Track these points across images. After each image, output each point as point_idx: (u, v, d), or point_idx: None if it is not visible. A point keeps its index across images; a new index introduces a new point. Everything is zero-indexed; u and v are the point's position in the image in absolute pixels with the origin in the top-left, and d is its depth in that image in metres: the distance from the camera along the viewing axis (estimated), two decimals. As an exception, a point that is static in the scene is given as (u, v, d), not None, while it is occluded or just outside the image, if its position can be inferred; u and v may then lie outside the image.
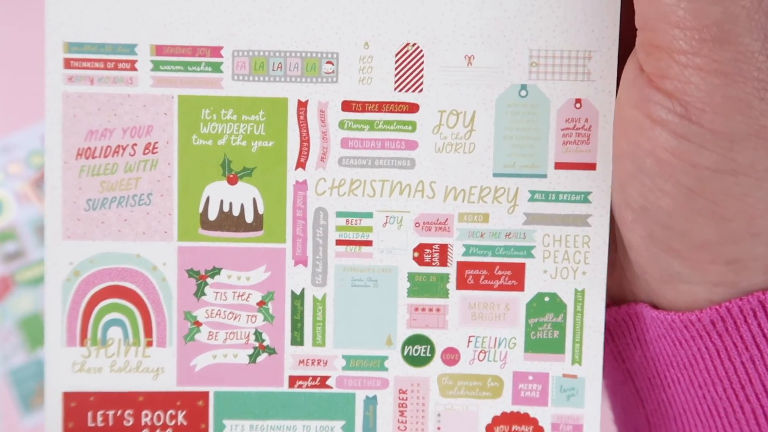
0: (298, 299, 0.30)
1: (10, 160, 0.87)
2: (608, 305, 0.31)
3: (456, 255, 0.30)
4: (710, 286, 0.27)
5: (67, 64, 0.29)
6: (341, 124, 0.29)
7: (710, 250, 0.26)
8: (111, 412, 0.30)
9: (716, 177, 0.25)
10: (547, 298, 0.30)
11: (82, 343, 0.30)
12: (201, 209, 0.29)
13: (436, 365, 0.30)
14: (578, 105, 0.29)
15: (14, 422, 0.74)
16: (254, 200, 0.29)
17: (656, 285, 0.28)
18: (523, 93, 0.29)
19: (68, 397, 0.30)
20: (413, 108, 0.29)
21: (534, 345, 0.30)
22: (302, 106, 0.29)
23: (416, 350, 0.30)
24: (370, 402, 0.30)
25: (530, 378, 0.30)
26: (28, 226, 0.86)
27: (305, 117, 0.29)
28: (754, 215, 0.25)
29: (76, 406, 0.30)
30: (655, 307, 0.29)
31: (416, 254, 0.30)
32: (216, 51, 0.29)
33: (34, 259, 0.86)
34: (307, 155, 0.29)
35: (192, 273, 0.30)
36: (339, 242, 0.30)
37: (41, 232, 0.83)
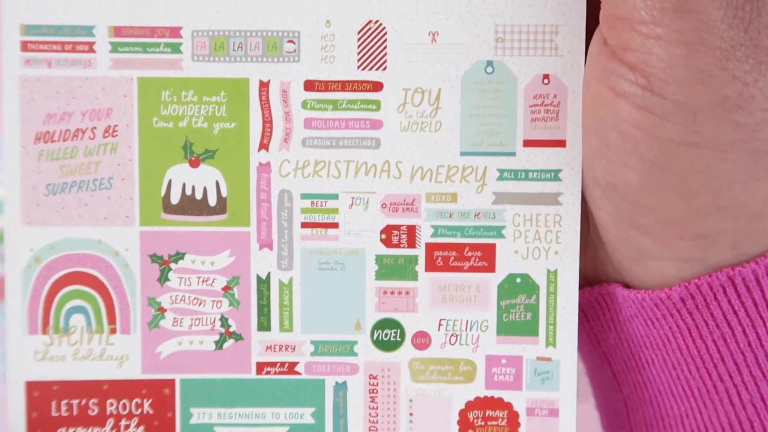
0: (264, 284, 0.31)
1: None
2: (581, 286, 0.32)
3: (424, 236, 0.31)
4: (679, 263, 0.28)
5: (24, 46, 0.30)
6: (304, 104, 0.31)
7: (677, 225, 0.27)
8: (75, 401, 0.31)
9: (680, 150, 0.26)
10: (518, 279, 0.31)
11: (44, 331, 0.31)
12: (163, 193, 0.31)
13: (407, 350, 0.32)
14: (546, 81, 0.30)
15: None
16: (217, 183, 0.31)
17: (626, 263, 0.30)
18: (489, 69, 0.30)
19: (31, 386, 0.31)
20: (377, 86, 0.31)
21: (506, 327, 0.31)
22: (264, 86, 0.31)
23: (386, 334, 0.32)
24: (340, 388, 0.32)
25: (503, 362, 0.31)
26: None
27: (267, 97, 0.31)
28: (720, 189, 0.27)
29: (40, 395, 0.31)
30: (626, 286, 0.31)
31: (384, 236, 0.31)
32: (175, 31, 0.30)
33: None
34: (270, 136, 0.31)
35: (155, 258, 0.31)
36: (304, 225, 0.31)
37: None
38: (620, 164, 0.27)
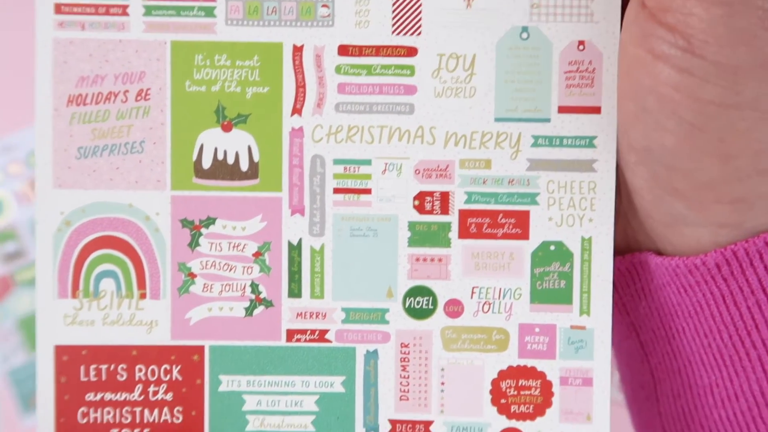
0: (295, 250, 0.32)
1: (10, 160, 0.91)
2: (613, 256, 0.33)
3: (458, 203, 0.31)
4: (715, 228, 0.29)
5: (58, 9, 0.31)
6: (338, 69, 0.31)
7: (714, 189, 0.28)
8: (104, 367, 0.32)
9: (720, 111, 0.26)
10: (552, 247, 0.31)
11: (74, 295, 0.32)
12: (195, 157, 0.31)
13: (439, 318, 0.32)
14: (581, 47, 0.31)
15: (14, 422, 0.77)
16: (249, 148, 0.31)
17: (660, 230, 0.30)
18: (525, 35, 0.31)
19: (60, 350, 0.32)
20: (411, 52, 0.31)
21: (540, 296, 0.32)
22: (298, 50, 0.31)
23: (418, 302, 0.32)
24: (371, 356, 0.32)
25: (537, 330, 0.32)
26: (28, 226, 0.89)
27: (301, 62, 0.31)
28: (760, 151, 0.27)
29: (69, 360, 0.31)
30: (659, 254, 0.31)
31: (416, 202, 0.32)
32: (209, -6, 0.31)
33: (34, 259, 0.89)
34: (303, 101, 0.31)
35: (186, 223, 0.32)
36: (337, 191, 0.31)
37: (33, 216, 0.85)
38: (657, 128, 0.27)
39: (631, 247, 0.33)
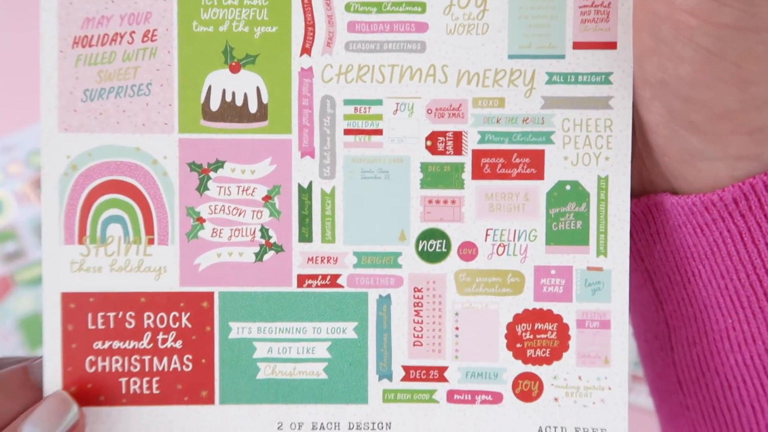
0: (305, 193, 0.32)
1: (10, 160, 0.91)
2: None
3: (471, 143, 0.31)
4: (732, 161, 0.28)
5: (62, -51, 0.31)
6: (347, 7, 0.31)
7: (732, 119, 0.28)
8: (112, 314, 0.32)
9: (737, 36, 0.26)
10: (568, 187, 0.31)
11: (81, 241, 0.32)
12: (202, 99, 0.31)
13: (453, 261, 0.32)
14: (597, -20, 0.31)
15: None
16: (258, 89, 0.31)
17: (676, 167, 0.30)
18: (539, -31, 0.31)
19: (67, 297, 0.32)
20: (423, -12, 0.31)
21: (556, 237, 0.32)
22: (307, -11, 0.31)
23: (431, 245, 0.32)
24: (384, 301, 0.32)
25: (553, 272, 0.32)
26: (28, 226, 0.90)
27: (310, 0, 0.31)
28: (780, 75, 0.27)
29: (76, 307, 0.32)
30: (675, 194, 0.31)
31: (429, 143, 0.32)
32: (216, -68, 0.31)
33: (34, 259, 0.89)
34: (313, 40, 0.31)
35: (194, 166, 0.32)
36: (347, 132, 0.31)
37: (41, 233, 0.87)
38: (673, 57, 0.27)
39: (646, 189, 0.33)
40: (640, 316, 0.36)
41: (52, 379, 0.31)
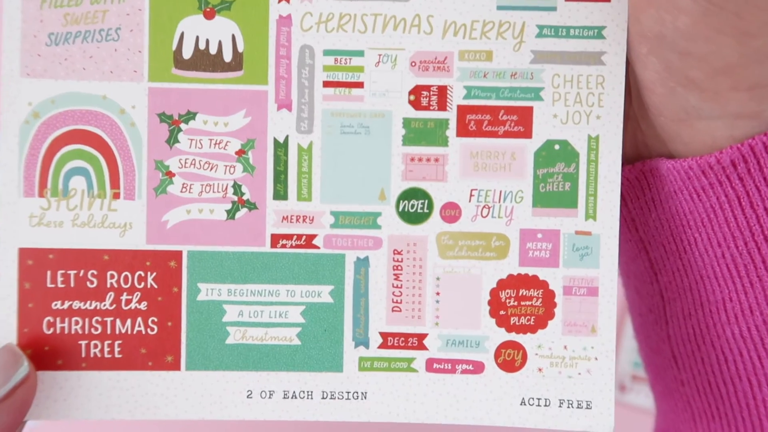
0: (281, 148, 0.30)
1: None
2: (621, 163, 0.32)
3: (456, 98, 0.30)
4: (730, 120, 0.27)
5: None
6: (330, -47, 0.30)
7: (731, 74, 0.27)
8: (72, 272, 0.30)
9: None
10: (557, 146, 0.30)
11: (41, 194, 0.30)
12: (174, 46, 0.30)
13: (435, 222, 0.31)
14: (591, -70, 0.30)
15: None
16: (233, 37, 0.30)
17: (672, 128, 0.29)
18: None
19: (24, 253, 0.30)
20: (409, -66, 0.30)
21: (543, 199, 0.30)
22: (287, -68, 0.30)
23: (412, 205, 0.31)
24: (362, 264, 0.31)
25: (539, 236, 0.31)
26: None
27: (290, -55, 0.30)
28: (782, 27, 0.26)
29: (34, 264, 0.30)
30: (671, 158, 0.30)
31: (412, 97, 0.30)
32: None
33: None
34: (292, -14, 0.30)
35: (164, 117, 0.30)
36: (327, 84, 0.30)
37: None
38: (671, 8, 0.26)
39: (641, 155, 0.32)
40: (634, 289, 0.35)
41: (7, 340, 0.30)
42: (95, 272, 0.30)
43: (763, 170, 0.28)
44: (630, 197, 0.32)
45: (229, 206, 0.30)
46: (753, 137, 0.27)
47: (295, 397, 0.30)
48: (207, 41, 0.30)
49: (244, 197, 0.30)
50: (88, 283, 0.30)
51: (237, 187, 0.30)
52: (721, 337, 0.31)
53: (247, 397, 0.30)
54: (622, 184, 0.32)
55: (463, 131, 0.30)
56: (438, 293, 0.30)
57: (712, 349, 0.31)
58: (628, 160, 0.32)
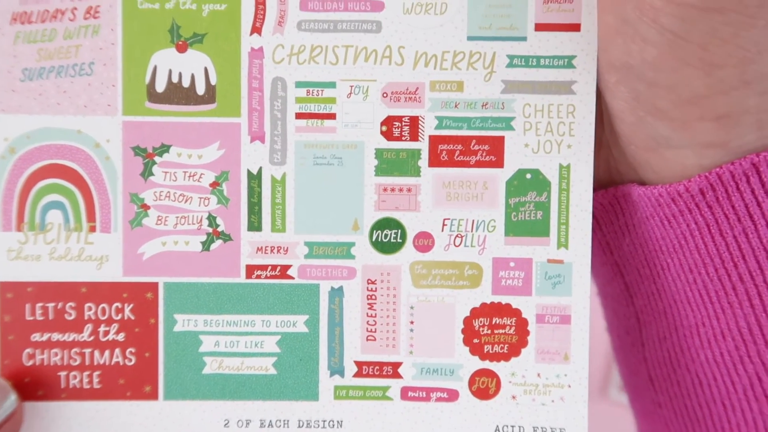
0: (255, 179, 0.31)
1: None
2: (594, 190, 0.32)
3: (428, 128, 0.31)
4: (699, 149, 0.28)
5: None
6: (300, -15, 0.31)
7: (698, 104, 0.27)
8: (51, 305, 0.31)
9: (703, 16, 0.26)
10: (529, 175, 0.31)
11: (19, 228, 0.31)
12: (148, 80, 0.31)
13: (408, 252, 0.32)
14: (560, -40, 0.30)
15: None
16: (206, 70, 0.31)
17: (642, 156, 0.30)
18: (500, -53, 0.31)
19: (3, 287, 0.31)
20: (379, -35, 0.31)
21: (515, 228, 0.31)
22: (257, -35, 0.31)
23: (386, 235, 0.32)
24: (336, 294, 0.32)
25: (512, 264, 0.31)
26: None
27: (261, -23, 0.31)
28: (746, 59, 0.26)
29: (13, 297, 0.31)
30: (642, 185, 0.31)
31: (384, 128, 0.31)
32: None
33: None
34: (263, 19, 0.31)
35: (138, 151, 0.31)
36: (299, 115, 0.31)
37: None
38: (638, 40, 0.27)
39: (613, 180, 0.33)
40: (611, 310, 0.36)
41: (-12, 372, 0.31)
42: (73, 304, 0.31)
43: (730, 198, 0.28)
44: (604, 221, 0.33)
45: (204, 238, 0.31)
46: (721, 166, 0.28)
47: (272, 426, 0.31)
48: (180, 74, 0.31)
49: (219, 229, 0.31)
50: (66, 315, 0.31)
51: (212, 219, 0.31)
52: (695, 360, 0.32)
53: (225, 426, 0.31)
54: (595, 208, 0.32)
55: (435, 161, 0.31)
56: (412, 322, 0.31)
57: (687, 372, 0.32)
58: (601, 185, 0.33)
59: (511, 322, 0.31)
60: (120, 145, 0.31)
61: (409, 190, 0.31)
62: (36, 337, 0.31)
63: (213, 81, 0.31)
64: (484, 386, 0.31)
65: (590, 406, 0.31)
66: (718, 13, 0.26)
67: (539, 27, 0.30)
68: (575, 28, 0.30)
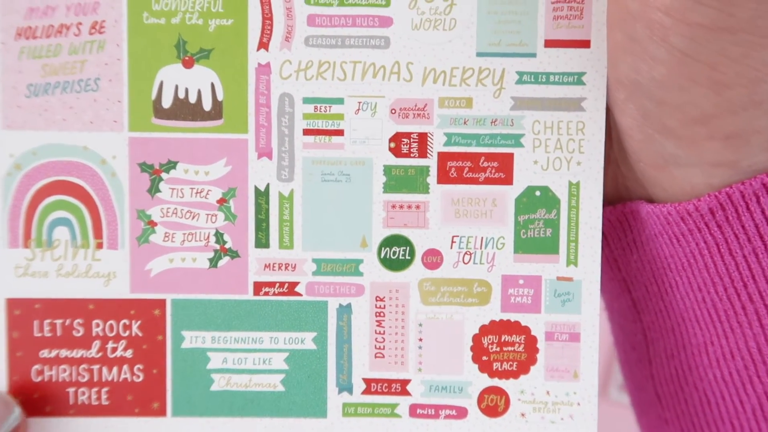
0: (262, 196, 0.32)
1: None
2: (603, 206, 0.32)
3: (437, 145, 0.31)
4: (708, 168, 0.28)
5: (5, -65, 0.31)
6: (308, 0, 0.31)
7: (707, 123, 0.27)
8: (59, 321, 0.32)
9: (713, 36, 0.26)
10: (538, 192, 0.31)
11: (26, 245, 0.31)
12: (154, 96, 0.31)
13: (417, 269, 0.32)
14: (571, -26, 0.30)
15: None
16: (212, 85, 0.31)
17: (651, 174, 0.30)
18: (510, -38, 0.30)
19: (12, 303, 0.31)
20: (387, -20, 0.31)
21: (524, 245, 0.31)
22: (264, -20, 0.31)
23: (394, 252, 0.32)
24: (344, 311, 0.32)
25: (521, 282, 0.32)
26: None
27: (268, -8, 0.31)
28: (756, 80, 0.26)
29: (21, 314, 0.31)
30: (651, 202, 0.31)
31: (392, 144, 0.31)
32: None
33: None
34: (270, 34, 0.31)
35: (145, 167, 0.31)
36: (307, 132, 0.31)
37: None
38: (646, 58, 0.27)
39: (622, 197, 0.33)
40: (618, 326, 0.36)
41: (-4, 388, 0.31)
42: (81, 321, 0.31)
43: (740, 218, 0.28)
44: (612, 237, 0.33)
45: (211, 255, 0.31)
46: (731, 186, 0.28)
47: (280, 443, 0.32)
48: (186, 90, 0.31)
49: (227, 245, 0.31)
50: (74, 332, 0.31)
51: (219, 236, 0.31)
52: (703, 379, 0.32)
53: (233, 442, 0.32)
54: (603, 224, 0.32)
55: (443, 178, 0.31)
56: (421, 339, 0.32)
57: (695, 390, 0.32)
58: (609, 202, 0.33)
59: (520, 340, 0.31)
60: (126, 161, 0.31)
61: (417, 207, 0.31)
62: (44, 353, 0.31)
63: (220, 97, 0.31)
64: (493, 404, 0.32)
65: (599, 423, 0.31)
66: (728, 33, 0.26)
67: (549, 43, 0.30)
68: (585, 44, 0.30)
